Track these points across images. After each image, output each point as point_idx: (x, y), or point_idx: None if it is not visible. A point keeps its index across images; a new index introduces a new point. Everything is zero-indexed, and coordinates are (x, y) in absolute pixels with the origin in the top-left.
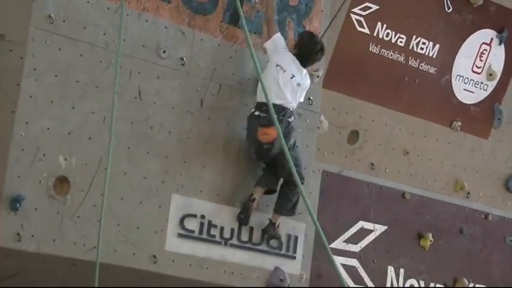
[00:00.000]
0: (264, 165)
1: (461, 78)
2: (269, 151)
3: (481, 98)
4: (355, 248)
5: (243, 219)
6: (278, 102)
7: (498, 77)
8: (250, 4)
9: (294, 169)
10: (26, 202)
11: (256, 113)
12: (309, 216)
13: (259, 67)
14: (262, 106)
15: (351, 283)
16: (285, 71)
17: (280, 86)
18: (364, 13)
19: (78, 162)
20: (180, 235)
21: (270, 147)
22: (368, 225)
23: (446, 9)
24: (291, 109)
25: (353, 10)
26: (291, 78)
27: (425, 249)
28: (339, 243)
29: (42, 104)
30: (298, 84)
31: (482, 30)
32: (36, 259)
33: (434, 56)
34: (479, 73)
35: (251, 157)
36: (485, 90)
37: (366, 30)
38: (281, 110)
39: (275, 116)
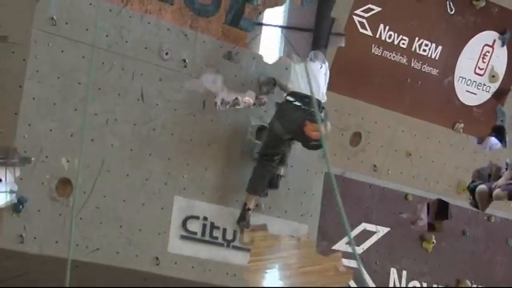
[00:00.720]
0: (256, 164)
1: (464, 79)
2: (316, 148)
3: (484, 100)
4: (358, 249)
5: (242, 226)
6: (315, 95)
7: (501, 79)
8: (252, 6)
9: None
10: (29, 204)
11: (297, 103)
12: (311, 218)
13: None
14: (303, 98)
15: (352, 284)
16: (314, 62)
17: (315, 77)
18: (366, 15)
19: (81, 164)
20: (183, 237)
21: (319, 145)
22: (370, 227)
23: (449, 11)
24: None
25: (355, 12)
26: (320, 68)
27: (428, 251)
28: (341, 245)
29: (44, 105)
30: (325, 74)
31: (485, 32)
32: (38, 261)
33: (436, 58)
34: (481, 75)
35: (253, 157)
36: (488, 91)
37: (369, 32)
38: (319, 104)
39: (318, 113)
